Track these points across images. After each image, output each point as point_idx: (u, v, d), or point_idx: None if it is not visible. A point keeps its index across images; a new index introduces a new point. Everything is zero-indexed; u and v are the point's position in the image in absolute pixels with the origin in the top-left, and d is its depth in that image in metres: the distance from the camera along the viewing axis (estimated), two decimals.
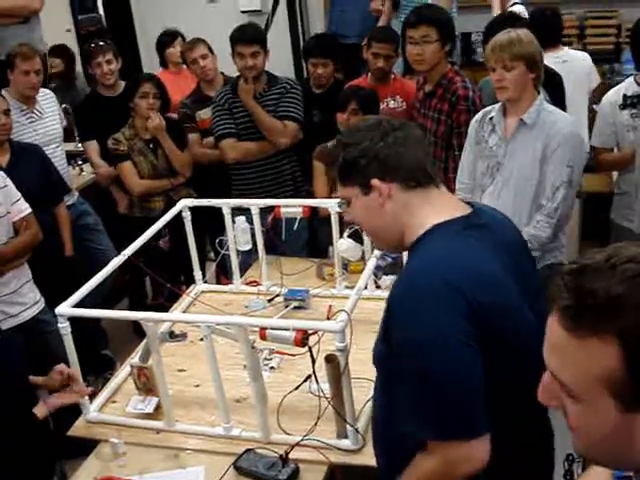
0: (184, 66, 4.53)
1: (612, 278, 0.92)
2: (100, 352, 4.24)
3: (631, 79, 3.34)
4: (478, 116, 2.98)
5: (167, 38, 4.92)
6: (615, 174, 3.62)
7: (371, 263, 2.60)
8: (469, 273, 1.46)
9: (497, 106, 2.89)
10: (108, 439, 2.35)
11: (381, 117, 1.67)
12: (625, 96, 3.27)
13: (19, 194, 3.14)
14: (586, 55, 4.40)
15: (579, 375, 0.94)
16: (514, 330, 1.49)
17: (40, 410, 2.24)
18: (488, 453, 1.44)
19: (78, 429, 2.47)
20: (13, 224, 3.11)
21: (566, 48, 4.33)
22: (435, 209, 1.56)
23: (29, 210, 3.17)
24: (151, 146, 3.89)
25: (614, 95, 3.33)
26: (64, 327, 2.34)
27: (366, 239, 2.86)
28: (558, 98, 3.40)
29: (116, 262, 2.68)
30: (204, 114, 4.05)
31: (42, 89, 4.09)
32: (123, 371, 2.69)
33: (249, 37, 3.63)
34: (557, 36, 4.20)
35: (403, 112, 3.71)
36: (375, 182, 1.54)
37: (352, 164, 1.57)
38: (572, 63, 4.13)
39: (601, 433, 0.95)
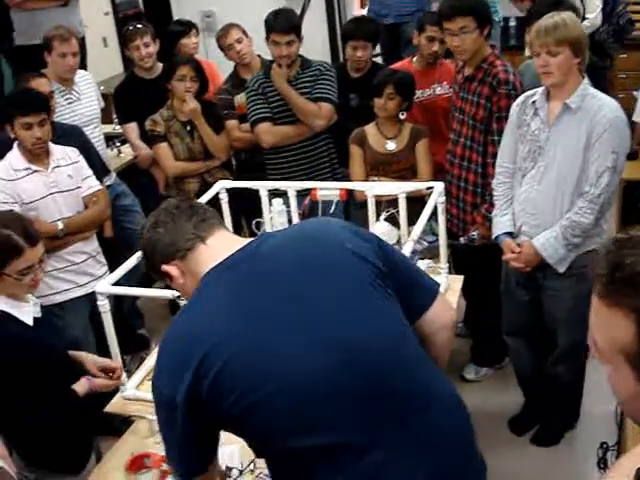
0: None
1: None
2: (136, 332, 4.30)
3: None
4: (520, 99, 2.94)
5: (181, 28, 4.79)
6: None
7: (407, 247, 2.58)
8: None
9: (540, 89, 2.84)
10: (144, 416, 2.38)
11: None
12: None
13: (90, 171, 3.30)
14: None
15: (606, 340, 1.00)
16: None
17: (82, 386, 2.27)
18: None
19: (115, 406, 2.51)
20: (83, 199, 3.26)
21: None
22: (204, 263, 1.62)
23: (99, 187, 3.35)
24: (188, 128, 3.89)
25: None
26: (103, 305, 2.37)
27: (403, 223, 2.85)
28: (601, 84, 3.33)
29: None
30: (241, 98, 4.05)
31: (80, 71, 4.14)
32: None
33: (284, 26, 3.60)
34: None
35: (449, 98, 3.67)
36: (163, 267, 1.66)
37: None
38: None
39: (626, 395, 1.02)
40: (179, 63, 3.86)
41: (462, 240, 3.41)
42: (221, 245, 1.63)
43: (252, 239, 1.68)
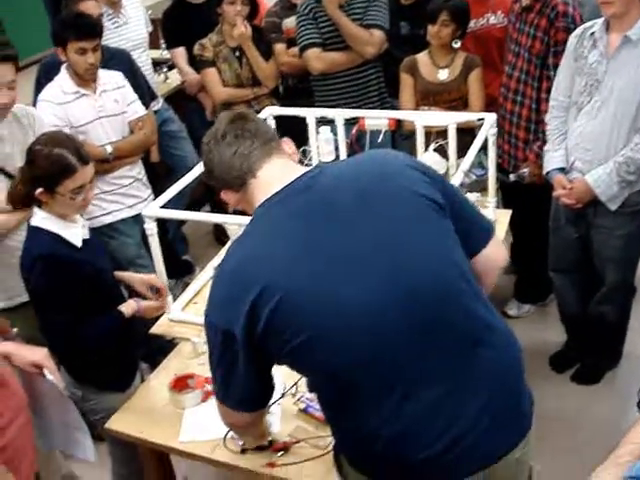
0: None
1: None
2: (181, 257, 4.36)
3: None
4: (578, 31, 2.83)
5: None
6: None
7: (456, 179, 2.54)
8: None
9: (599, 21, 2.73)
10: (189, 338, 2.43)
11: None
12: None
13: (136, 96, 3.31)
14: None
15: None
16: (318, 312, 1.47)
17: (129, 307, 2.32)
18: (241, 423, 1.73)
19: (161, 327, 2.56)
20: (129, 124, 3.28)
21: None
22: (257, 196, 1.61)
23: (145, 112, 3.36)
24: (236, 54, 3.84)
25: None
26: (150, 228, 2.40)
27: (452, 155, 2.80)
28: None
29: (199, 168, 2.70)
30: (290, 23, 3.97)
31: None
32: (204, 274, 2.75)
33: None
34: None
35: (503, 28, 3.55)
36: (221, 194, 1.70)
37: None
38: None
39: None
40: None
41: (512, 177, 3.35)
42: (274, 176, 1.60)
43: (308, 169, 1.64)
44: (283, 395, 2.09)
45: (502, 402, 1.58)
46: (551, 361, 3.43)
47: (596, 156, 2.78)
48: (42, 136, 2.27)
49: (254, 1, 3.85)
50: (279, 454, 2.00)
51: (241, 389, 1.60)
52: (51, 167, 2.12)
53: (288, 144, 1.72)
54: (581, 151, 2.82)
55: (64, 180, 2.13)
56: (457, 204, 1.65)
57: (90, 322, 2.20)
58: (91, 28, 3.07)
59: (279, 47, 3.98)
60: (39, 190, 2.14)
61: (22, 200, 2.23)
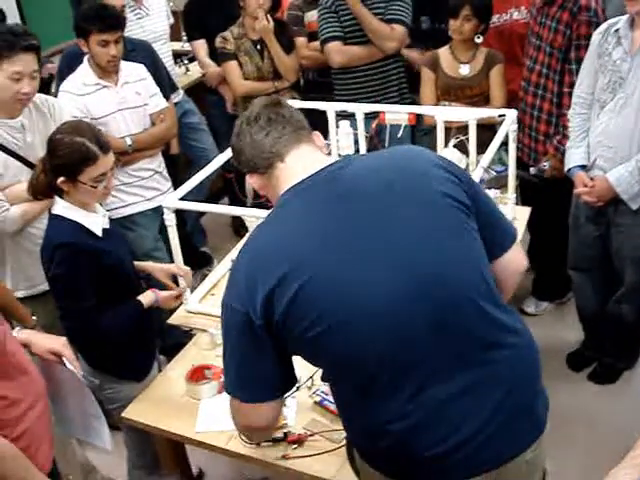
0: None
1: None
2: (199, 249, 4.38)
3: None
4: (602, 27, 2.80)
5: None
6: None
7: (475, 176, 2.53)
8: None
9: (624, 17, 2.70)
10: (206, 329, 2.44)
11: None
12: None
13: (157, 89, 3.32)
14: None
15: None
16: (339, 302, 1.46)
17: (148, 298, 2.33)
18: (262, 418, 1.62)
19: (178, 318, 2.58)
20: (150, 116, 3.29)
21: None
22: (283, 182, 1.61)
23: (166, 104, 3.38)
24: (258, 47, 3.84)
25: None
26: (169, 219, 2.41)
27: (472, 151, 2.78)
28: None
29: (219, 160, 2.71)
30: (312, 16, 3.97)
31: None
32: (222, 266, 2.76)
33: None
34: None
35: (527, 24, 3.51)
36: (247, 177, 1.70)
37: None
38: None
39: None
40: None
41: (532, 170, 3.33)
42: (301, 164, 1.60)
43: (336, 160, 1.64)
44: (298, 388, 2.09)
45: (515, 404, 1.57)
46: (568, 360, 3.41)
47: (618, 154, 2.75)
48: (63, 125, 2.29)
49: None
50: (294, 446, 2.01)
51: (255, 377, 1.56)
52: (72, 155, 2.13)
53: (318, 137, 1.72)
54: (603, 149, 2.80)
55: (85, 168, 2.14)
56: (482, 206, 1.64)
57: (109, 311, 2.21)
58: (114, 20, 3.08)
59: (300, 40, 3.98)
60: (61, 179, 2.16)
61: (44, 190, 2.25)
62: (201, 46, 4.31)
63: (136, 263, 2.44)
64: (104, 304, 2.20)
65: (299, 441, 2.03)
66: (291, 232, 1.52)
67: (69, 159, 2.14)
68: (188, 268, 2.50)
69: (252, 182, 1.68)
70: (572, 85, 2.99)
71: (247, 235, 1.66)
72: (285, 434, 2.04)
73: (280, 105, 1.67)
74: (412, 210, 1.53)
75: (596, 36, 2.81)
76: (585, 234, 3.05)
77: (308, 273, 1.45)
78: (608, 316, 3.16)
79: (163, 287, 2.44)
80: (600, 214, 2.93)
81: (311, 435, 2.05)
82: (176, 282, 2.49)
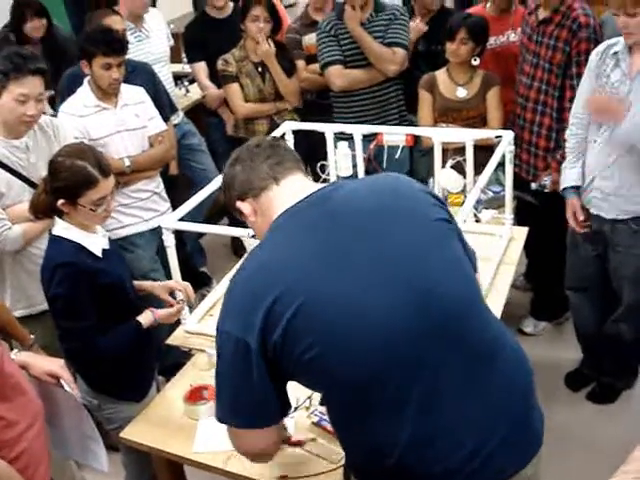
0: None
1: None
2: (198, 269, 4.39)
3: None
4: (600, 48, 2.81)
5: None
6: None
7: (473, 196, 2.54)
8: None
9: (622, 40, 2.72)
10: (204, 349, 2.44)
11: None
12: None
13: (157, 111, 3.36)
14: None
15: None
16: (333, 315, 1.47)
17: (146, 318, 2.34)
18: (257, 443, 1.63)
19: (177, 338, 2.58)
20: (149, 138, 3.32)
21: None
22: (276, 205, 1.64)
23: (165, 127, 3.41)
24: (259, 70, 3.87)
25: None
26: (169, 240, 2.42)
27: (469, 172, 2.80)
28: None
29: (218, 181, 2.72)
30: (309, 39, 4.01)
31: (150, 9, 4.15)
32: (221, 286, 2.77)
33: None
34: None
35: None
36: (237, 204, 1.71)
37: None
38: None
39: None
40: (253, 3, 3.80)
41: (533, 186, 3.35)
42: (294, 188, 1.64)
43: (326, 184, 1.69)
44: (296, 408, 2.09)
45: (515, 419, 1.59)
46: (566, 379, 3.41)
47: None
48: (64, 148, 2.31)
49: (277, 17, 3.89)
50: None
51: (251, 404, 1.56)
52: (73, 179, 2.15)
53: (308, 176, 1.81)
54: (601, 168, 2.82)
55: (86, 192, 2.16)
56: (459, 229, 1.71)
57: (108, 331, 2.22)
58: (118, 44, 3.11)
59: (299, 63, 4.01)
60: (61, 201, 2.17)
61: (44, 210, 2.26)
62: (201, 68, 4.34)
63: (135, 283, 2.45)
64: (104, 324, 2.21)
65: (299, 444, 2.05)
66: (283, 255, 1.54)
67: (69, 182, 2.15)
68: (187, 283, 2.51)
69: (243, 208, 1.68)
70: (573, 100, 3.01)
71: (243, 258, 1.68)
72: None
73: (280, 141, 1.77)
74: (404, 226, 1.57)
75: (594, 57, 2.82)
76: (583, 254, 3.06)
77: (302, 294, 1.46)
78: (606, 335, 3.16)
79: (161, 305, 2.44)
80: (597, 234, 2.95)
81: (312, 440, 2.06)
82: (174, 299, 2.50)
